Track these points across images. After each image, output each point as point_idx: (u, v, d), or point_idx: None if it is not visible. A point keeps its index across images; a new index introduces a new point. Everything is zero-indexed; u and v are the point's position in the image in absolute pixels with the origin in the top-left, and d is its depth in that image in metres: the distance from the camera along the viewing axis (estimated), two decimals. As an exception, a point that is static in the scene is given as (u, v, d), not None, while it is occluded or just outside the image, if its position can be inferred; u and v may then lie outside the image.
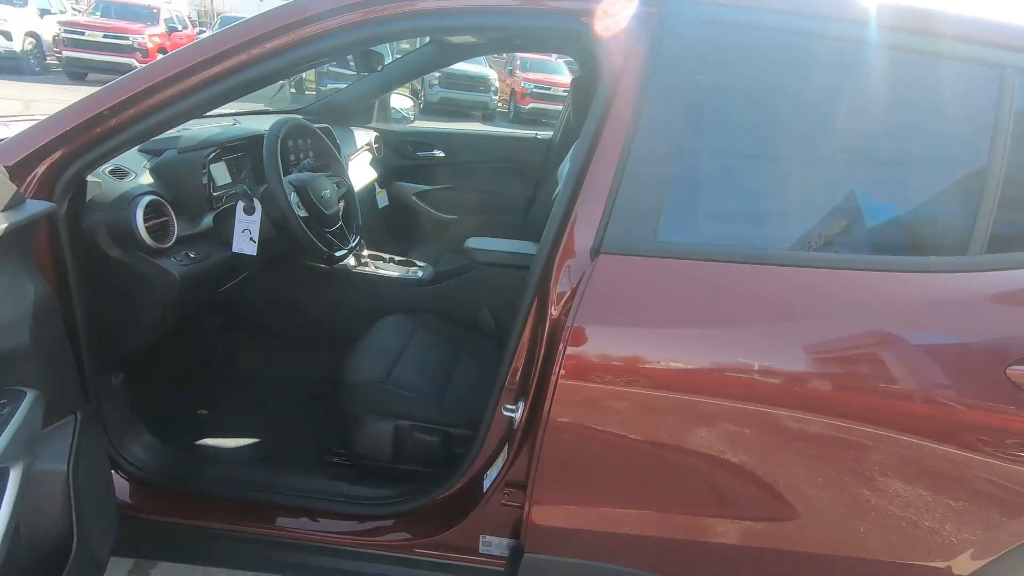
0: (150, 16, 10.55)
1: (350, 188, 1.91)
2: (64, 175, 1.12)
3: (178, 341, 1.84)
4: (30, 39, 9.82)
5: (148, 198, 1.27)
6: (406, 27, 1.13)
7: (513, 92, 12.18)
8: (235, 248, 1.52)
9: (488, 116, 11.94)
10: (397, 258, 2.14)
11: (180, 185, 1.44)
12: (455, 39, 2.15)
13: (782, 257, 1.06)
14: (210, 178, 1.51)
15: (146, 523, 1.35)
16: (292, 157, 1.91)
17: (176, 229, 1.36)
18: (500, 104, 12.40)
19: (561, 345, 1.01)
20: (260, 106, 2.40)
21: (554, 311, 1.07)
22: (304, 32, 1.09)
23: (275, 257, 1.74)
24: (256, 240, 1.53)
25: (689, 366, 1.05)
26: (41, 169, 1.10)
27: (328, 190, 1.68)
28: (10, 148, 1.07)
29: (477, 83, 11.46)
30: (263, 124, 1.79)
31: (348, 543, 1.32)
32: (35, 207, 0.98)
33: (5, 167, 1.08)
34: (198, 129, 1.64)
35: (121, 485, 1.37)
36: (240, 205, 1.51)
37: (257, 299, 1.98)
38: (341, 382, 1.49)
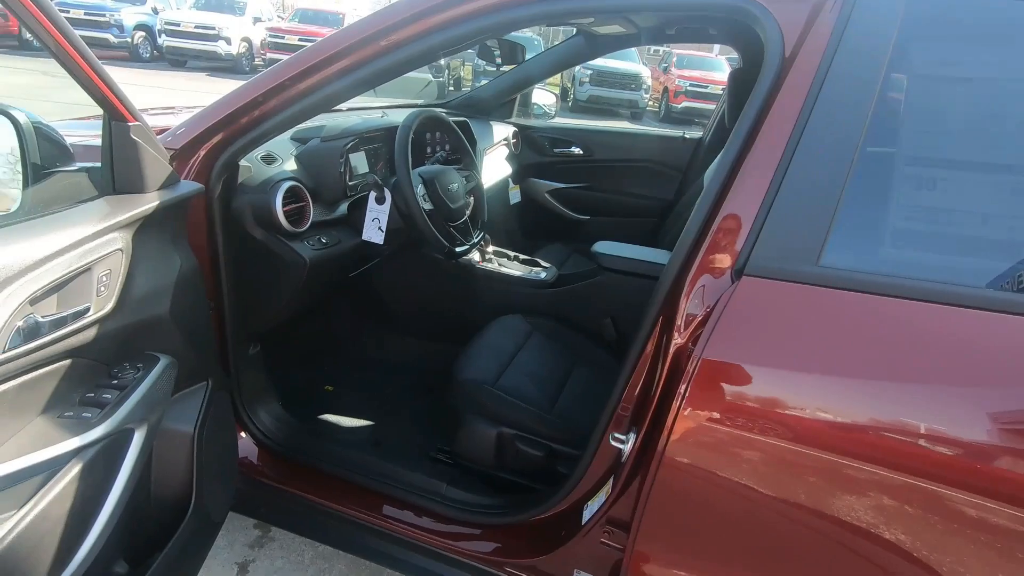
0: (336, 21, 11.87)
1: (479, 183, 1.89)
2: (220, 159, 1.20)
3: (311, 320, 1.96)
4: (243, 43, 11.50)
5: (288, 184, 1.34)
6: (554, 9, 1.04)
7: (666, 90, 11.67)
8: (364, 236, 1.56)
9: (637, 115, 11.57)
10: (522, 257, 2.09)
11: (320, 172, 1.50)
12: (603, 29, 2.02)
13: (991, 300, 0.80)
14: (348, 167, 1.56)
15: (265, 487, 1.44)
16: (428, 150, 1.93)
17: (312, 214, 1.42)
18: (651, 103, 11.96)
19: (686, 376, 0.86)
20: (409, 100, 2.49)
21: (680, 336, 0.92)
22: (444, 16, 1.05)
23: (403, 247, 1.78)
24: (384, 229, 1.55)
25: (842, 421, 0.84)
26: (201, 153, 1.20)
27: (456, 184, 1.67)
28: (180, 134, 1.18)
29: (628, 80, 11.12)
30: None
31: (437, 544, 1.28)
32: (187, 187, 1.06)
33: (174, 150, 1.19)
34: (343, 119, 1.71)
35: (249, 449, 1.48)
36: (372, 195, 1.55)
37: (383, 286, 2.04)
38: (451, 378, 1.47)
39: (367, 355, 2.08)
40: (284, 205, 1.33)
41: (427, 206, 1.58)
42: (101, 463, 0.80)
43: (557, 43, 2.46)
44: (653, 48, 14.19)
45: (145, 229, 0.94)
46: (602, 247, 1.63)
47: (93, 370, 0.87)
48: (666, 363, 0.93)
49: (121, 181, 0.95)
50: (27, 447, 0.72)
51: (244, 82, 1.19)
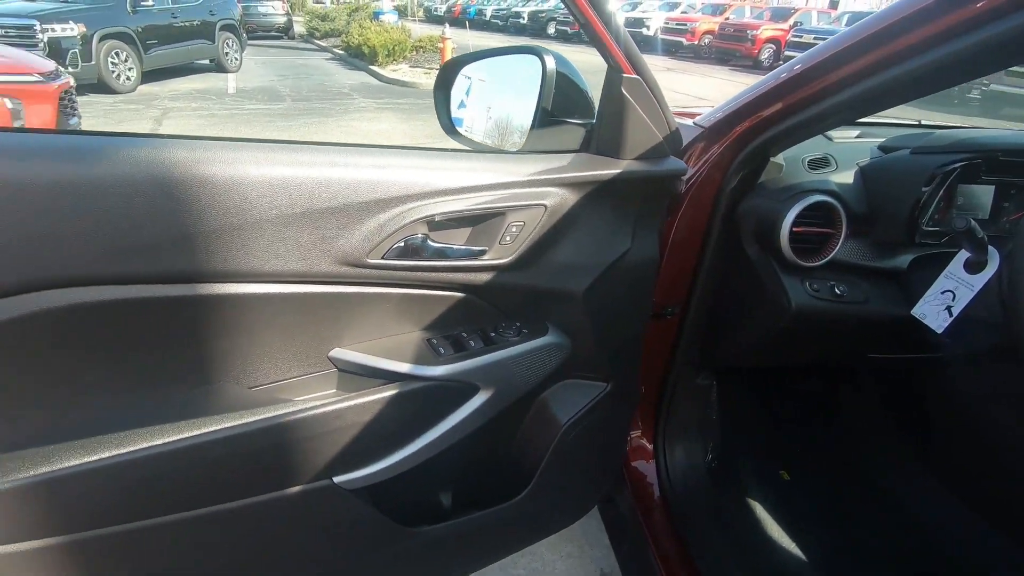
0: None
1: None
2: (746, 148, 0.96)
3: (799, 380, 1.50)
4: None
5: (816, 199, 0.96)
6: None
7: None
8: (916, 310, 0.99)
9: None
10: None
11: (885, 198, 1.02)
12: None
13: None
14: (939, 200, 1.00)
15: (638, 530, 1.23)
16: None
17: (837, 249, 0.99)
18: None
19: None
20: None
21: None
22: None
23: (990, 355, 1.06)
24: (954, 315, 0.94)
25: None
26: (729, 138, 0.99)
27: None
28: (712, 112, 1.01)
29: None
30: None
31: None
32: (671, 165, 0.88)
33: (702, 128, 1.02)
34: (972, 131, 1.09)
35: (651, 477, 1.29)
36: (963, 254, 0.94)
37: (932, 392, 1.32)
38: None
39: (863, 473, 1.44)
40: (797, 224, 0.96)
41: None
42: (429, 400, 0.79)
43: None
44: None
45: (593, 198, 0.83)
46: None
47: (484, 315, 0.86)
48: None
49: (600, 140, 0.86)
50: (382, 351, 0.77)
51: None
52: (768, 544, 1.24)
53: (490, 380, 0.83)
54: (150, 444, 0.61)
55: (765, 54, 12.97)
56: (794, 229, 0.96)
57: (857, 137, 1.22)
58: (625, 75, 0.79)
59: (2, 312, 0.53)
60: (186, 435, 0.62)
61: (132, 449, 0.60)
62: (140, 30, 7.42)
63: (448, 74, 1.01)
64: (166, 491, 0.64)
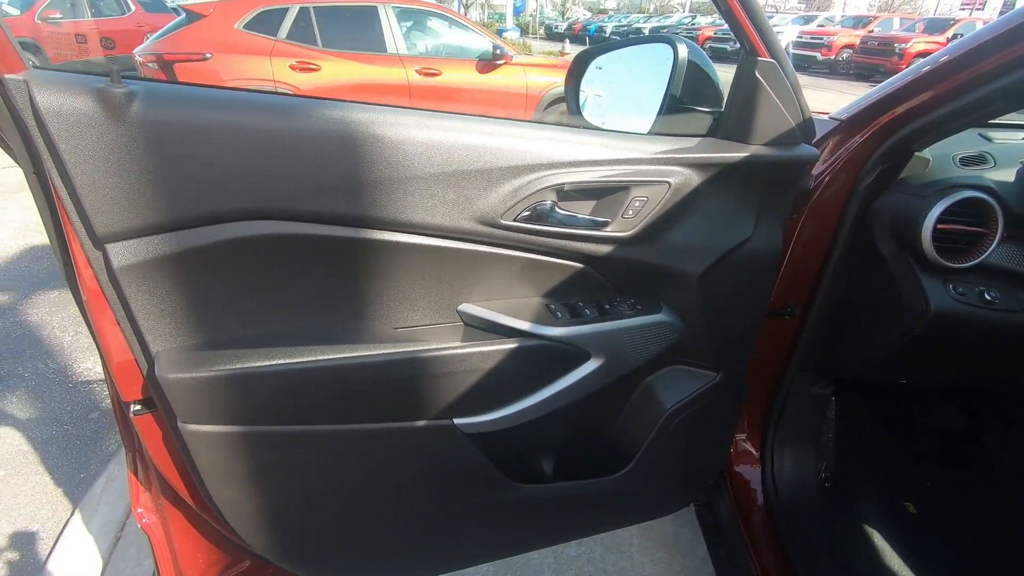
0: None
1: None
2: (888, 141, 0.92)
3: (943, 403, 1.36)
4: None
5: (967, 195, 0.89)
6: None
7: None
8: (1086, 324, 0.89)
9: None
10: None
11: None
12: None
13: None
14: None
15: (738, 539, 1.19)
16: None
17: (991, 252, 0.91)
18: None
19: None
20: None
21: None
22: None
23: None
24: None
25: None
26: (871, 130, 0.95)
27: None
28: (850, 105, 0.98)
29: None
30: None
31: None
32: (802, 151, 0.86)
33: (839, 121, 1.00)
34: None
35: (755, 483, 1.24)
36: None
37: None
38: None
39: (1006, 514, 1.28)
40: (943, 222, 0.90)
41: None
42: (544, 359, 0.84)
43: None
44: None
45: (717, 180, 0.84)
46: None
47: (600, 288, 0.89)
48: None
49: (728, 125, 0.86)
50: (506, 310, 0.83)
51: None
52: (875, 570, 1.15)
53: (602, 348, 0.86)
54: (312, 359, 0.72)
55: (920, 71, 11.89)
56: (939, 227, 0.90)
57: (1023, 139, 1.11)
58: (760, 59, 0.79)
59: (221, 234, 0.66)
60: (338, 356, 0.73)
61: (298, 360, 0.71)
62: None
63: (580, 65, 1.06)
64: (317, 403, 0.75)
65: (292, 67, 4.34)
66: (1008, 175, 0.96)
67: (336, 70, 4.46)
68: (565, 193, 0.79)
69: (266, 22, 4.32)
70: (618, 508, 1.06)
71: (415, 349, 0.76)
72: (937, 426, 1.40)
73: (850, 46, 13.53)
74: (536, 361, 0.83)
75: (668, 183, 0.81)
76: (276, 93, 0.84)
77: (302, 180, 0.67)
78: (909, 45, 12.07)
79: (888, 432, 1.40)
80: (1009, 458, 1.33)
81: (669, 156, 0.81)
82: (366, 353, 0.74)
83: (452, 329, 0.83)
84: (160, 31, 4.47)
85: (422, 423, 0.80)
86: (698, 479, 1.12)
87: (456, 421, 0.82)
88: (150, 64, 4.21)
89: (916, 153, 0.95)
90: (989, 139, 1.09)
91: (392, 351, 0.75)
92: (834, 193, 1.00)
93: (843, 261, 1.02)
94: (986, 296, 0.92)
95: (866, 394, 1.33)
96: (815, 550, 1.10)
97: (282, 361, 0.71)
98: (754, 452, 1.25)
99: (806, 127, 0.84)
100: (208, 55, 4.19)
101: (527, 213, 0.77)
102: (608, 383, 0.90)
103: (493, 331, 0.82)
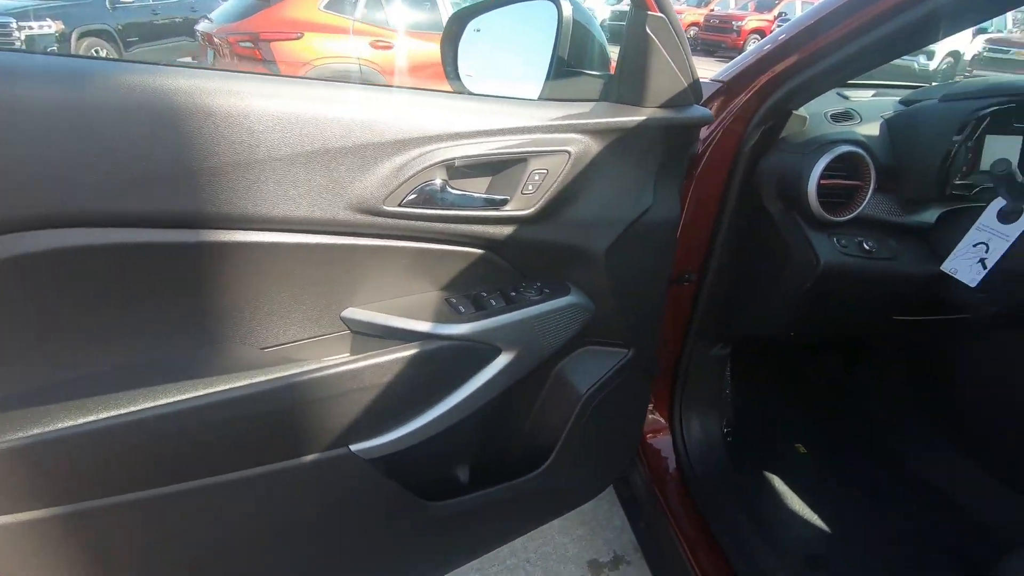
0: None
1: None
2: (767, 101, 0.92)
3: (816, 351, 1.47)
4: (949, 58, 10.14)
5: (844, 149, 0.92)
6: None
7: None
8: (946, 265, 0.96)
9: None
10: None
11: (913, 149, 0.98)
12: None
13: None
14: (968, 151, 0.96)
15: (657, 504, 1.19)
16: None
17: (865, 203, 0.95)
18: None
19: None
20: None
21: None
22: None
23: (1018, 315, 1.03)
24: (988, 267, 0.91)
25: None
26: (749, 92, 0.95)
27: None
28: (729, 67, 0.97)
29: None
30: None
31: None
32: (695, 113, 0.83)
33: (721, 83, 0.98)
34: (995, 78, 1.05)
35: (667, 451, 1.25)
36: (997, 204, 0.91)
37: (957, 367, 1.30)
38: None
39: (882, 445, 1.41)
40: (824, 178, 0.92)
41: None
42: (450, 361, 0.74)
43: None
44: None
45: (617, 147, 0.78)
46: None
47: (503, 273, 0.81)
48: None
49: (622, 87, 0.81)
50: (399, 310, 0.72)
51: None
52: (790, 518, 1.22)
53: (513, 341, 0.78)
54: (151, 405, 0.55)
55: (750, 45, 13.02)
56: (821, 182, 0.92)
57: (873, 96, 1.19)
58: (650, 13, 0.74)
59: (7, 249, 0.48)
60: (190, 396, 0.57)
61: (131, 410, 0.55)
62: (120, 27, 7.26)
63: (454, 27, 0.96)
64: (168, 458, 0.58)
65: (372, 44, 4.62)
66: (873, 129, 1.02)
67: (406, 47, 4.72)
68: (456, 170, 0.69)
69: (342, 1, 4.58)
70: (542, 505, 1.00)
71: (291, 373, 0.62)
72: (820, 375, 1.51)
73: (696, 24, 14.53)
74: (441, 365, 0.73)
75: (568, 152, 0.74)
76: (60, 55, 0.63)
77: (114, 171, 0.51)
78: (744, 23, 13.21)
79: (778, 383, 1.49)
80: (880, 398, 1.47)
81: (566, 123, 0.74)
82: (225, 388, 0.58)
83: (337, 340, 0.70)
84: (225, 11, 4.65)
85: (310, 458, 0.67)
86: (618, 459, 1.10)
87: (354, 448, 0.69)
88: (243, 43, 4.36)
89: (794, 112, 0.97)
90: (847, 97, 1.15)
91: (260, 380, 0.61)
92: (721, 155, 0.99)
93: (734, 223, 1.03)
94: (864, 246, 0.97)
95: (757, 350, 1.39)
96: (724, 504, 1.12)
97: (97, 417, 0.53)
98: (663, 421, 1.25)
99: (696, 87, 0.81)
100: (300, 35, 4.40)
101: (413, 196, 0.65)
102: (521, 377, 0.82)
103: (387, 337, 0.71)
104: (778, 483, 1.30)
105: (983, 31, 10.61)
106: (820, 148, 0.93)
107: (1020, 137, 0.98)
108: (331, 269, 0.66)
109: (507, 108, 0.72)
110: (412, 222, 0.67)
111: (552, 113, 0.74)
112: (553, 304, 0.81)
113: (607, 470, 1.09)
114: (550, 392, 0.93)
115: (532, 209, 0.74)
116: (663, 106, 0.80)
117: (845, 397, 1.51)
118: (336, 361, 0.65)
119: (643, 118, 0.77)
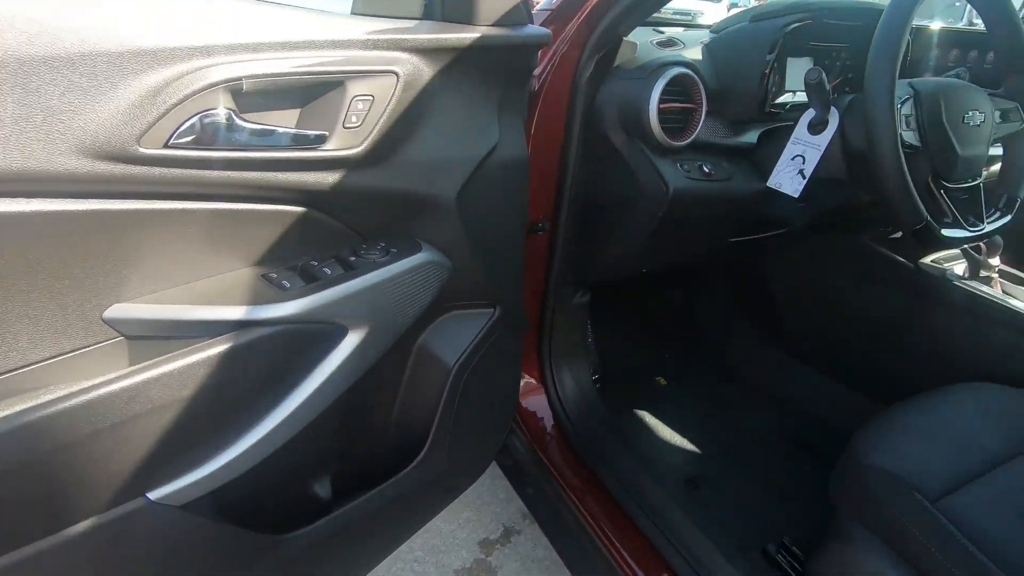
0: None
1: (1024, 132, 1.03)
2: (597, 29, 0.86)
3: (664, 286, 1.53)
4: None
5: (676, 71, 0.90)
6: None
7: None
8: (771, 182, 1.00)
9: None
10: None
11: (733, 70, 1.00)
12: None
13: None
14: (778, 72, 1.01)
15: (539, 465, 1.13)
16: (933, 58, 1.17)
17: (699, 127, 0.96)
18: None
19: None
20: None
21: None
22: None
23: (830, 220, 1.14)
24: (807, 177, 0.96)
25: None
26: (579, 18, 0.88)
27: (981, 116, 0.91)
28: None
29: None
30: None
31: None
32: (532, 32, 0.73)
33: (550, 10, 0.90)
34: None
35: (544, 412, 1.19)
36: (807, 116, 0.97)
37: (777, 275, 1.43)
38: (849, 454, 0.82)
39: (726, 363, 1.53)
40: (663, 102, 0.90)
41: (910, 138, 0.90)
42: (279, 353, 0.57)
43: None
44: None
45: (453, 70, 0.65)
46: None
47: (336, 236, 0.65)
48: None
49: (448, 2, 0.68)
50: (193, 298, 0.53)
51: None
52: (665, 448, 1.26)
53: (361, 317, 0.63)
54: None
55: None
56: (660, 107, 0.90)
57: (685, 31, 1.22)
58: None
59: None
60: None
61: None
62: None
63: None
64: None
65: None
66: (696, 54, 1.02)
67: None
68: (247, 97, 0.51)
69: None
70: (425, 500, 0.88)
71: (31, 406, 0.41)
72: (664, 308, 1.58)
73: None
74: (265, 360, 0.55)
75: (396, 74, 0.60)
76: None
77: None
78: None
79: (631, 322, 1.53)
80: (715, 320, 1.59)
81: (390, 38, 0.59)
82: None
83: (102, 353, 0.49)
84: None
85: (86, 524, 0.46)
86: (498, 429, 1.01)
87: (153, 496, 0.50)
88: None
89: (624, 38, 0.93)
90: (662, 31, 1.16)
91: None
92: (558, 89, 0.93)
93: (579, 164, 0.98)
94: (704, 169, 0.97)
95: (612, 292, 1.40)
96: (604, 450, 1.11)
97: None
98: (534, 381, 1.20)
99: (527, 4, 0.72)
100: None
101: (186, 134, 0.47)
102: (377, 358, 0.68)
103: (179, 336, 0.51)
104: (649, 418, 1.33)
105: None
106: (655, 72, 0.90)
107: (811, 58, 1.06)
108: (77, 251, 0.45)
109: (310, 16, 0.55)
110: (188, 171, 0.47)
111: (369, 26, 0.59)
112: (404, 264, 0.67)
113: (490, 444, 1.00)
114: (414, 371, 0.80)
115: (359, 148, 0.59)
116: (496, 24, 0.69)
117: (689, 326, 1.60)
118: (103, 380, 0.45)
119: (477, 35, 0.66)
